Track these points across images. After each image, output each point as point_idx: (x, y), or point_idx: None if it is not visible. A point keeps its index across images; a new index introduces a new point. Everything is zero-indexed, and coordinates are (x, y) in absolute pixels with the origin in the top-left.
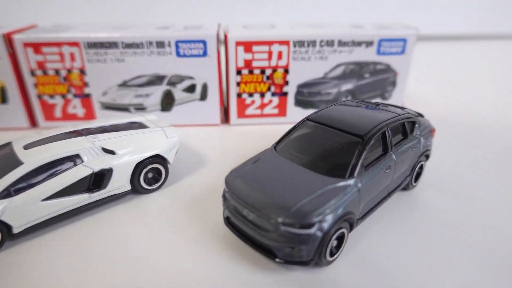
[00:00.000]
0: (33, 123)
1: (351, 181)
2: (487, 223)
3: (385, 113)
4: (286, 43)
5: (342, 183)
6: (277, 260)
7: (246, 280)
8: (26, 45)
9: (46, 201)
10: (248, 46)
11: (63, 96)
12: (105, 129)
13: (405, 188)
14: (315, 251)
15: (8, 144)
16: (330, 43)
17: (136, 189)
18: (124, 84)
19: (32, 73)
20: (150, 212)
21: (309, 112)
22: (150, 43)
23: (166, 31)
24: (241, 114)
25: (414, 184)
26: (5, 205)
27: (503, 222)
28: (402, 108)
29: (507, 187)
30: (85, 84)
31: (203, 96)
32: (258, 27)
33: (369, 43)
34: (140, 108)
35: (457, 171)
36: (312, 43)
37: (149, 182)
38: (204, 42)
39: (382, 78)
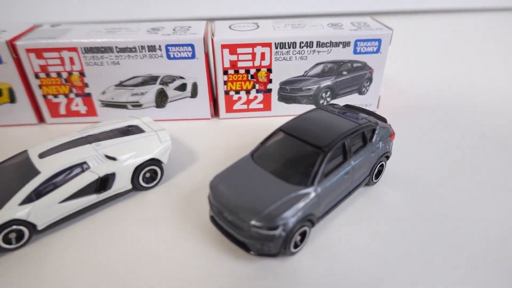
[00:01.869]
0: (41, 119)
1: (311, 189)
2: (442, 211)
3: (347, 123)
4: (268, 45)
5: (303, 191)
6: (251, 253)
7: (228, 267)
8: (28, 50)
9: (62, 203)
10: (233, 48)
11: (66, 95)
12: (107, 135)
13: (367, 184)
14: (281, 246)
15: (24, 152)
16: (309, 44)
17: (136, 187)
18: (120, 84)
19: (36, 76)
20: (149, 208)
21: (291, 106)
22: (142, 47)
23: (156, 35)
24: (229, 109)
25: (374, 180)
26: (30, 208)
27: (458, 210)
28: (369, 113)
29: (471, 178)
30: (85, 85)
31: (194, 94)
32: (243, 26)
33: (346, 44)
34: (137, 105)
35: (421, 163)
36: (293, 44)
37: (147, 181)
38: (192, 46)
39: (359, 75)
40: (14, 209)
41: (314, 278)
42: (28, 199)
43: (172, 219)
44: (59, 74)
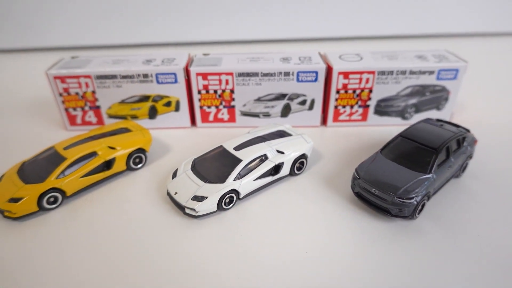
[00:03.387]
0: (193, 123)
1: (430, 175)
2: None
3: (448, 132)
4: (231, 74)
5: (425, 176)
6: (391, 215)
7: (371, 225)
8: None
9: (255, 181)
10: (204, 76)
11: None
12: (270, 136)
13: (457, 176)
14: (412, 211)
15: (220, 146)
16: (403, 72)
17: (291, 174)
18: (258, 99)
19: (199, 92)
20: (302, 188)
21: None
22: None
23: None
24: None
25: (462, 174)
26: (239, 182)
27: None
28: (457, 126)
29: None
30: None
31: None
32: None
33: (431, 72)
34: (267, 115)
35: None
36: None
37: (297, 169)
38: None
39: (439, 96)
40: (231, 183)
41: (431, 238)
42: (238, 177)
43: (321, 193)
44: (215, 91)
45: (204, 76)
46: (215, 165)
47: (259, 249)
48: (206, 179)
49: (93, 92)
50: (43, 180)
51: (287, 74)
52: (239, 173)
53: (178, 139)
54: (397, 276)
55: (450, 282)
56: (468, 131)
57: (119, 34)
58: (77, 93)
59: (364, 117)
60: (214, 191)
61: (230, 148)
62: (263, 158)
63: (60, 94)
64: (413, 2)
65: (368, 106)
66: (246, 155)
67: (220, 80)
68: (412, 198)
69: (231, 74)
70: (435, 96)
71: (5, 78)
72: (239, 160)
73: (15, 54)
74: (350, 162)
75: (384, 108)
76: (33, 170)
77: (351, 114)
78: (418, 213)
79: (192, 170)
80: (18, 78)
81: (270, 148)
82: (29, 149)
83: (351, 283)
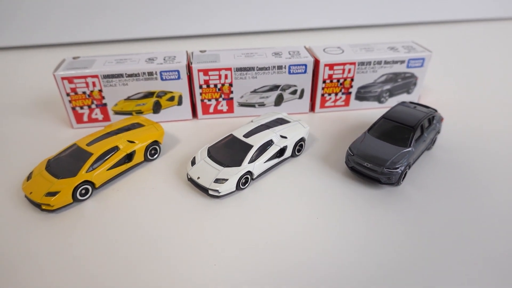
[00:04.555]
0: (194, 116)
1: (410, 149)
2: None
3: (421, 113)
4: (229, 69)
5: (406, 149)
6: (381, 182)
7: (363, 191)
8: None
9: (265, 163)
10: (205, 72)
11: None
12: (273, 124)
13: (428, 149)
14: (398, 179)
15: (231, 135)
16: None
17: (292, 155)
18: (254, 91)
19: (200, 87)
20: (301, 167)
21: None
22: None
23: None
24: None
25: (432, 146)
26: (253, 165)
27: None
28: (427, 107)
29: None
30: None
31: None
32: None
33: (402, 61)
34: (261, 104)
35: (456, 139)
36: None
37: (297, 151)
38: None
39: (409, 82)
40: (247, 165)
41: (409, 197)
42: (251, 160)
43: (320, 169)
44: (215, 85)
45: (205, 72)
46: (229, 151)
47: (276, 219)
48: (223, 164)
49: (100, 90)
50: (75, 174)
51: (280, 67)
52: (252, 157)
53: (182, 131)
54: (388, 229)
55: (431, 234)
56: (435, 111)
57: (113, 30)
58: (84, 92)
59: (346, 102)
60: (233, 174)
61: (240, 135)
62: (270, 143)
63: (68, 94)
64: None
65: (350, 93)
66: (256, 141)
67: (219, 75)
68: (397, 168)
69: (230, 69)
70: (405, 82)
71: (2, 76)
72: (251, 146)
73: (10, 52)
74: (339, 142)
75: (363, 94)
76: (62, 166)
77: (335, 101)
78: (402, 180)
79: (209, 157)
80: (15, 76)
81: (274, 134)
82: (39, 148)
83: (355, 238)
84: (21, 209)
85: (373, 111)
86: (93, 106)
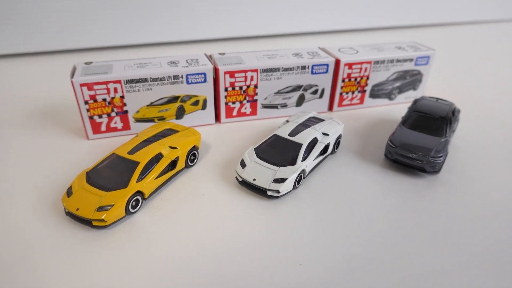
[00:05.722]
0: (218, 120)
1: (446, 138)
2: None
3: (445, 105)
4: (255, 70)
5: (444, 139)
6: (426, 172)
7: (406, 181)
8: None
9: (314, 160)
10: (231, 74)
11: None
12: (311, 122)
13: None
14: (440, 166)
15: (274, 135)
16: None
17: (332, 153)
18: (278, 92)
19: (226, 89)
20: (342, 162)
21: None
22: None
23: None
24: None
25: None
26: (305, 162)
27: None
28: (445, 100)
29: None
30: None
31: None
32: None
33: (410, 59)
34: (284, 105)
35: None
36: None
37: (336, 147)
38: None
39: (415, 79)
40: (301, 163)
41: (451, 184)
42: (303, 158)
43: (359, 163)
44: (241, 87)
45: (231, 74)
46: (279, 151)
47: (333, 213)
48: (278, 164)
49: (122, 97)
50: (127, 185)
51: (303, 67)
52: (303, 154)
53: (209, 135)
54: (430, 214)
55: (465, 219)
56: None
57: (122, 35)
58: (104, 99)
59: (361, 100)
60: (291, 172)
61: (285, 135)
62: (316, 140)
63: (86, 102)
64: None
65: (365, 91)
66: (304, 139)
67: (245, 77)
68: (441, 156)
69: (256, 70)
70: (413, 79)
71: (6, 84)
72: (300, 144)
73: (15, 59)
74: (366, 137)
75: (376, 92)
76: (106, 177)
77: (352, 99)
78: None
79: (259, 158)
80: (19, 84)
81: (317, 132)
82: (55, 162)
83: (404, 222)
84: (68, 228)
85: (385, 108)
86: (113, 114)
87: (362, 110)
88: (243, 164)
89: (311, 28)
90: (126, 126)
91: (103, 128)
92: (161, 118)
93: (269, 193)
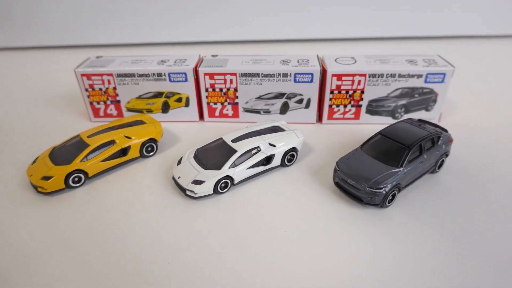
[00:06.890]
0: (201, 118)
1: (401, 169)
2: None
3: (423, 132)
4: (234, 74)
5: (396, 170)
6: (363, 203)
7: (347, 210)
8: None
9: (248, 169)
10: (211, 75)
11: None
12: (265, 131)
13: (432, 172)
14: (382, 200)
15: (220, 139)
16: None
17: (282, 165)
18: (259, 97)
19: (206, 90)
20: (291, 177)
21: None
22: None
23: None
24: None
25: (437, 170)
26: (234, 170)
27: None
28: (435, 126)
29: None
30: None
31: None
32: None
33: (419, 75)
34: (267, 111)
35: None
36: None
37: (288, 161)
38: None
39: (427, 98)
40: (227, 170)
41: (396, 224)
42: (232, 165)
43: (307, 181)
44: (221, 89)
45: (211, 76)
46: (214, 155)
47: (249, 226)
48: (205, 166)
49: (114, 88)
50: (70, 162)
51: (285, 75)
52: (233, 162)
53: (186, 132)
54: (366, 250)
55: (408, 258)
56: (445, 131)
57: (136, 33)
58: (100, 89)
59: (357, 115)
60: (211, 177)
61: (228, 140)
62: (257, 150)
63: (86, 90)
64: (409, 5)
65: (360, 105)
66: (241, 147)
67: (225, 80)
68: (381, 188)
69: (235, 74)
70: (423, 97)
71: (38, 72)
72: (234, 151)
73: (45, 51)
74: (337, 155)
75: (375, 108)
76: (62, 154)
77: (344, 113)
78: (389, 203)
79: (194, 158)
80: (49, 73)
81: (263, 141)
82: (59, 136)
83: (332, 252)
84: (25, 190)
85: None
86: (108, 102)
87: (357, 126)
88: (179, 162)
89: (327, 35)
90: (120, 114)
91: (101, 113)
92: (149, 111)
93: (187, 192)
